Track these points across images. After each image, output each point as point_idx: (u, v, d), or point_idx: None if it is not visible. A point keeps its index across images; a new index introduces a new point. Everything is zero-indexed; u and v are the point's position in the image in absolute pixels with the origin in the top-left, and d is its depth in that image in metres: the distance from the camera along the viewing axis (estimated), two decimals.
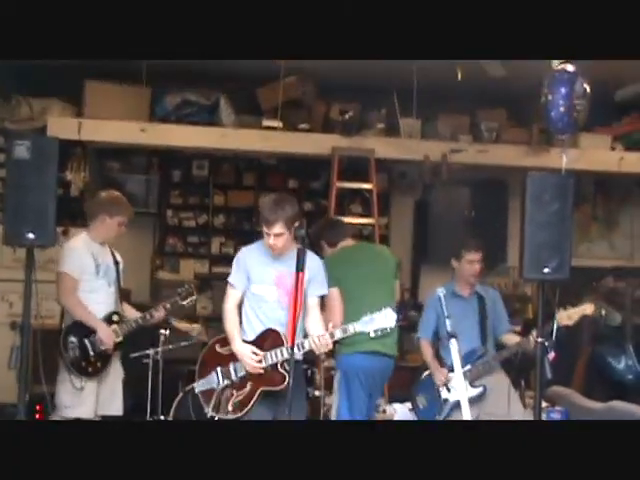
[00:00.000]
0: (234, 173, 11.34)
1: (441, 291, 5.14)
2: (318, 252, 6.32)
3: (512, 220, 11.11)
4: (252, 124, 9.85)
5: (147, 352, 7.55)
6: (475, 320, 6.53)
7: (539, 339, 5.10)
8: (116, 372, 6.62)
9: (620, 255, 11.75)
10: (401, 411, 7.61)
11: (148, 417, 7.44)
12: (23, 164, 4.91)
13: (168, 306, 6.76)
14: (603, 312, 9.49)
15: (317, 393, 7.49)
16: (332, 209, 9.56)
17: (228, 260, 11.29)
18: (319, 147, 9.79)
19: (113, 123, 9.40)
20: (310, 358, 7.95)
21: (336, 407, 6.45)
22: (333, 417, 6.53)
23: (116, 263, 6.61)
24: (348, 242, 6.45)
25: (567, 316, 5.93)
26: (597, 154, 10.14)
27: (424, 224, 10.86)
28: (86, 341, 6.28)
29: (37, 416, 6.38)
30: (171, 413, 7.47)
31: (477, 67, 8.06)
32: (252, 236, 11.24)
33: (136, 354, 7.59)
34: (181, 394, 7.62)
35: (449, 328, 4.99)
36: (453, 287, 6.63)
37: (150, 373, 7.49)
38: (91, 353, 6.31)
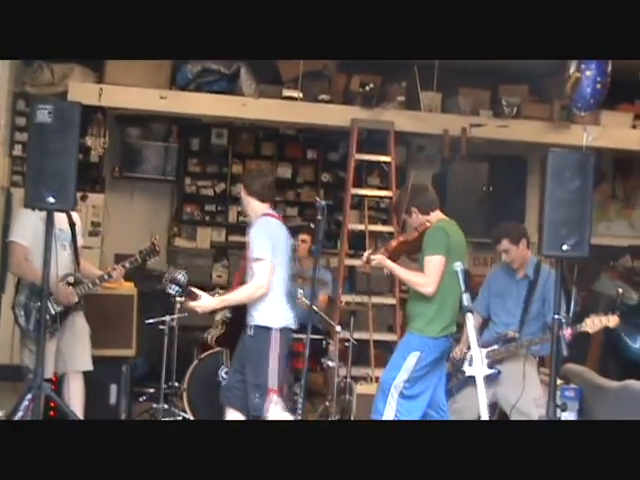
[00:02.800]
0: (253, 143, 11.35)
1: (458, 265, 5.11)
2: (405, 217, 6.33)
3: (530, 196, 11.10)
4: (272, 94, 9.84)
5: (162, 319, 7.60)
6: (519, 302, 6.51)
7: (555, 316, 5.07)
8: (81, 329, 6.56)
9: (639, 234, 11.70)
10: None
11: (162, 384, 7.49)
12: (45, 128, 4.91)
13: (127, 265, 6.68)
14: (620, 290, 9.46)
15: (331, 364, 7.52)
16: (350, 181, 9.55)
17: (245, 229, 11.37)
18: (339, 118, 9.78)
19: (134, 90, 9.41)
20: (325, 329, 8.01)
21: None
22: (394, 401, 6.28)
23: (72, 225, 6.50)
24: (440, 214, 6.37)
25: (591, 323, 5.91)
26: (618, 132, 10.10)
27: (442, 198, 10.79)
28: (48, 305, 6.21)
29: (54, 379, 6.36)
30: (185, 380, 7.51)
31: None
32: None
33: (152, 320, 7.65)
34: (195, 361, 7.67)
35: (465, 302, 4.98)
36: (507, 266, 6.64)
37: (165, 340, 7.54)
38: (46, 317, 6.25)
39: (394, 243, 6.39)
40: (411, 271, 6.24)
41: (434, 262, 5.94)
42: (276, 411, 5.72)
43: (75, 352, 6.46)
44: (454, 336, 6.19)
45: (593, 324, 5.92)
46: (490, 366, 6.33)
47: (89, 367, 6.57)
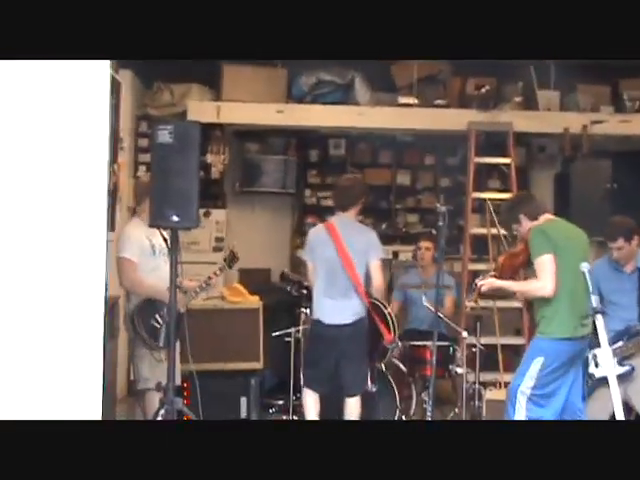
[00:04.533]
0: (371, 151, 11.36)
1: (585, 266, 5.02)
2: (513, 227, 6.31)
3: None
4: (388, 101, 9.86)
5: (288, 331, 7.66)
6: (634, 296, 6.37)
7: None
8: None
9: None
10: None
11: (291, 395, 7.55)
12: (167, 149, 5.00)
13: (218, 272, 6.82)
14: None
15: (459, 370, 7.46)
16: (470, 185, 9.47)
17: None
18: (455, 123, 9.73)
19: (250, 105, 9.55)
20: (453, 336, 7.95)
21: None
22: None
23: (165, 240, 6.61)
24: (549, 216, 6.31)
25: None
26: None
27: (565, 198, 10.61)
28: (157, 316, 6.33)
29: (185, 393, 6.48)
30: None
31: None
32: (389, 213, 11.30)
33: (278, 332, 7.71)
34: None
35: (594, 304, 4.88)
36: (613, 261, 6.51)
37: (292, 351, 7.60)
38: (164, 326, 6.37)
39: (501, 260, 6.35)
40: (522, 281, 6.18)
41: (543, 262, 5.85)
42: None
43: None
44: (586, 339, 6.03)
45: None
46: (620, 363, 6.19)
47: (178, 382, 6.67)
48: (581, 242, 6.17)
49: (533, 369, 5.87)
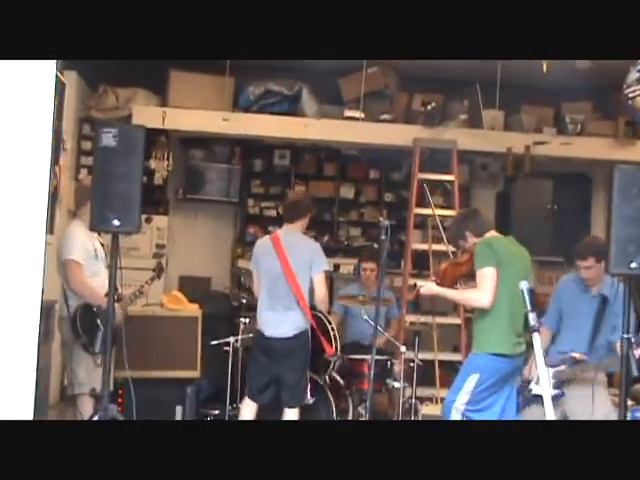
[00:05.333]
0: (315, 163, 11.37)
1: (524, 284, 5.04)
2: (461, 242, 6.33)
3: (595, 214, 10.97)
4: (334, 114, 9.87)
5: (227, 340, 7.62)
6: (589, 321, 6.37)
7: (625, 335, 4.98)
8: None
9: None
10: None
11: (227, 405, 7.50)
12: (110, 152, 4.95)
13: (150, 281, 6.87)
14: None
15: (396, 384, 7.47)
16: (413, 200, 9.51)
17: None
18: (401, 138, 9.77)
19: (196, 112, 9.51)
20: (390, 350, 7.97)
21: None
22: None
23: (102, 245, 6.59)
24: (494, 233, 6.35)
25: None
26: None
27: (506, 216, 10.72)
28: (97, 321, 6.28)
29: (120, 400, 6.41)
30: None
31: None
32: (332, 226, 11.32)
33: (216, 342, 7.67)
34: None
35: (532, 322, 4.91)
36: (580, 281, 6.52)
37: (230, 361, 7.56)
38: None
39: (444, 266, 6.38)
40: (461, 290, 6.22)
41: (485, 274, 5.89)
42: None
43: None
44: (522, 356, 6.07)
45: None
46: (556, 386, 6.22)
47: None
48: (525, 260, 6.23)
49: (468, 385, 5.89)
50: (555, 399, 6.12)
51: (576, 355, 6.26)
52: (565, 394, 6.22)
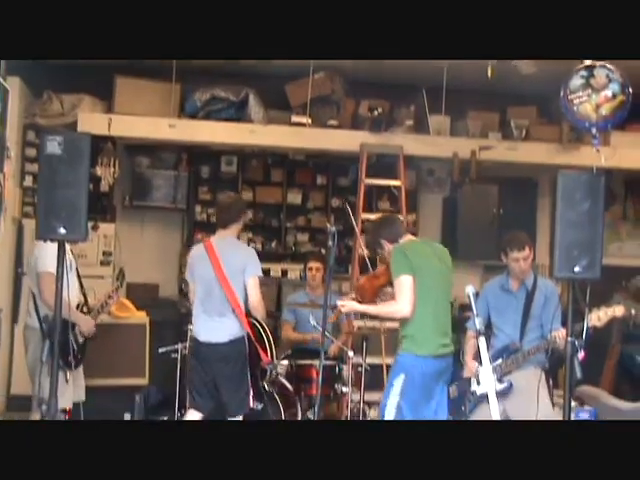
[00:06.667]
0: (263, 169, 11.36)
1: (470, 289, 5.11)
2: (378, 249, 6.33)
3: (541, 218, 11.10)
4: (281, 120, 9.89)
5: (175, 347, 7.59)
6: (518, 315, 6.48)
7: (569, 338, 5.05)
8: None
9: None
10: None
11: (176, 412, 7.48)
12: (55, 160, 4.91)
13: (115, 290, 6.88)
14: (633, 312, 9.41)
15: (344, 389, 7.49)
16: (360, 206, 9.55)
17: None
18: (348, 143, 9.81)
19: (143, 119, 9.48)
20: (339, 355, 7.99)
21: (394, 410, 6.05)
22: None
23: (73, 255, 6.55)
24: (410, 237, 6.37)
25: (597, 317, 5.86)
26: (629, 152, 10.06)
27: (452, 221, 10.82)
28: (70, 336, 6.24)
29: (68, 408, 6.35)
30: None
31: (507, 64, 8.04)
32: (280, 232, 11.32)
33: (164, 349, 7.64)
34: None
35: (478, 326, 4.97)
36: (504, 281, 6.61)
37: (178, 368, 7.53)
38: (75, 347, 6.32)
39: (362, 282, 6.41)
40: (381, 304, 6.22)
41: (401, 283, 5.89)
42: None
43: (81, 381, 6.48)
44: (448, 357, 6.07)
45: (599, 318, 5.86)
46: (500, 380, 6.30)
47: (82, 398, 6.55)
48: (442, 258, 6.26)
49: (396, 388, 5.88)
50: (504, 392, 6.20)
51: (510, 344, 6.38)
52: (513, 385, 6.30)
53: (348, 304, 6.19)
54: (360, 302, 6.26)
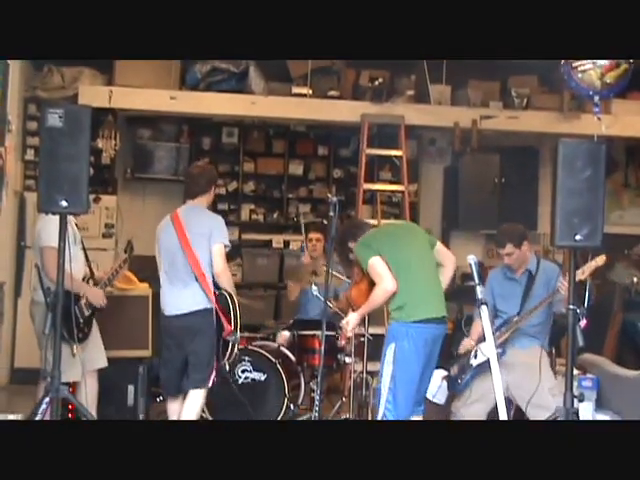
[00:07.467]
0: (264, 140, 11.36)
1: (471, 258, 5.10)
2: (345, 252, 6.24)
3: (542, 187, 11.09)
4: (282, 91, 9.86)
5: None
6: (519, 297, 6.50)
7: (571, 306, 5.07)
8: (94, 328, 6.60)
9: None
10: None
11: None
12: (56, 132, 4.92)
13: (124, 262, 6.93)
14: (635, 279, 9.44)
15: (347, 360, 7.52)
16: (362, 176, 9.53)
17: (257, 227, 11.42)
18: (349, 114, 9.79)
19: (143, 91, 9.45)
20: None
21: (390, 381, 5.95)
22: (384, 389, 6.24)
23: (77, 228, 6.54)
24: (372, 231, 6.36)
25: (581, 272, 5.82)
26: (630, 120, 10.05)
27: (454, 191, 10.82)
28: (76, 308, 6.24)
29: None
30: None
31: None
32: (281, 203, 11.32)
33: None
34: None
35: (479, 295, 4.98)
36: (507, 268, 6.62)
37: None
38: (80, 320, 6.31)
39: (351, 294, 6.40)
40: (370, 297, 6.08)
41: (372, 266, 5.85)
42: None
43: (90, 351, 6.47)
44: (438, 323, 5.96)
45: (582, 272, 5.85)
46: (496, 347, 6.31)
47: (105, 364, 6.58)
48: (411, 232, 6.33)
49: (389, 355, 5.85)
50: (499, 357, 6.22)
51: (508, 319, 6.42)
52: (505, 352, 6.33)
53: (349, 318, 6.12)
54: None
